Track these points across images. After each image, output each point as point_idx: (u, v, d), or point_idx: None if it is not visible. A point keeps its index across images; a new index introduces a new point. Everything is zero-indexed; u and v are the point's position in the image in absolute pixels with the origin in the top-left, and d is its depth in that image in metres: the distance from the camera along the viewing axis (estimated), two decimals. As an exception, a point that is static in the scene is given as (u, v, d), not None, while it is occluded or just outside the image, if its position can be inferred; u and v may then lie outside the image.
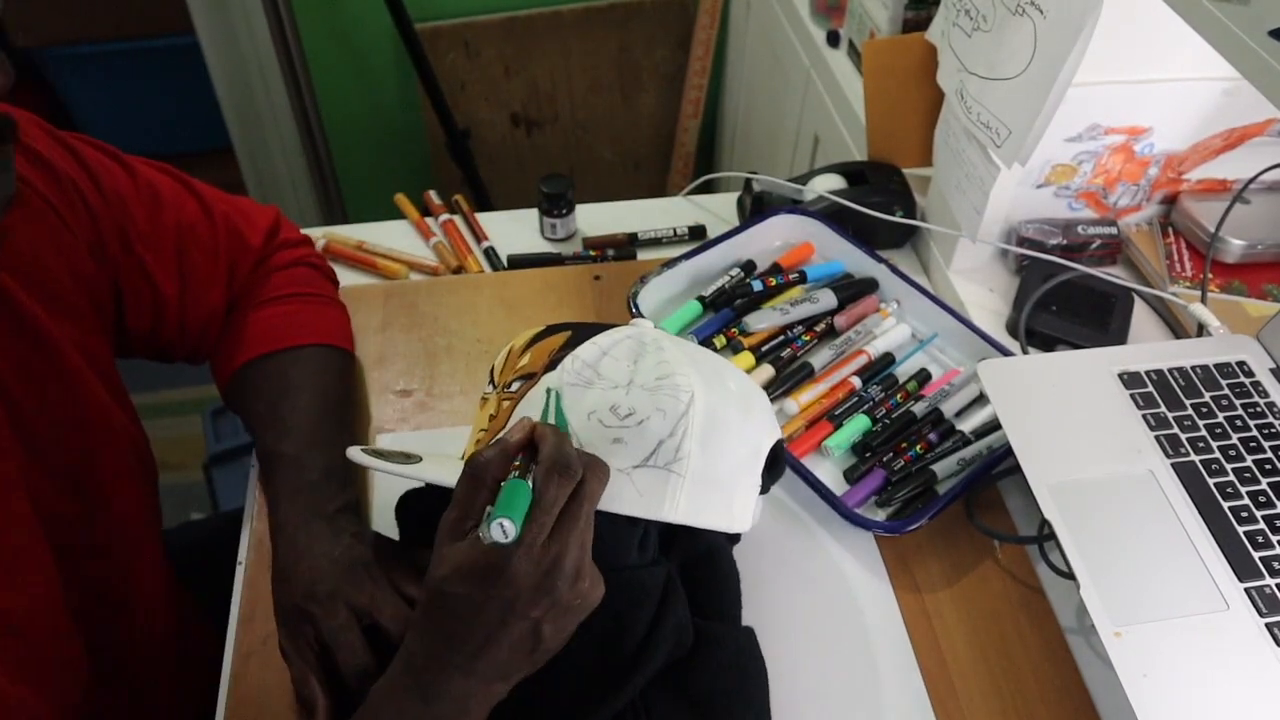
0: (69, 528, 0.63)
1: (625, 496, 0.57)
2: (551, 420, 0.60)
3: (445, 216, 1.07)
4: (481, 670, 0.51)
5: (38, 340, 0.63)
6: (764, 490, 0.66)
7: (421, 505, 0.69)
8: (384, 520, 0.74)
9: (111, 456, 0.68)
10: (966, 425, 0.83)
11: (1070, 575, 0.64)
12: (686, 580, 0.65)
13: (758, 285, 0.93)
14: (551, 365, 0.65)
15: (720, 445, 0.59)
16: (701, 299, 0.93)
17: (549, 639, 0.52)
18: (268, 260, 0.82)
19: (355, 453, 0.63)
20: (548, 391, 0.62)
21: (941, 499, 0.75)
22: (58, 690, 0.61)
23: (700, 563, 0.66)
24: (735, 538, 0.71)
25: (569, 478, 0.51)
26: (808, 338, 0.91)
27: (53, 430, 0.63)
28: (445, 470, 0.60)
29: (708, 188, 1.15)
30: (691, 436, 0.58)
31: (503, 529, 0.48)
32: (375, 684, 0.55)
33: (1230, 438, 0.72)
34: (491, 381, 0.71)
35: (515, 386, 0.67)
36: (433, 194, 1.10)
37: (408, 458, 0.62)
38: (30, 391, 0.62)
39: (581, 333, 0.68)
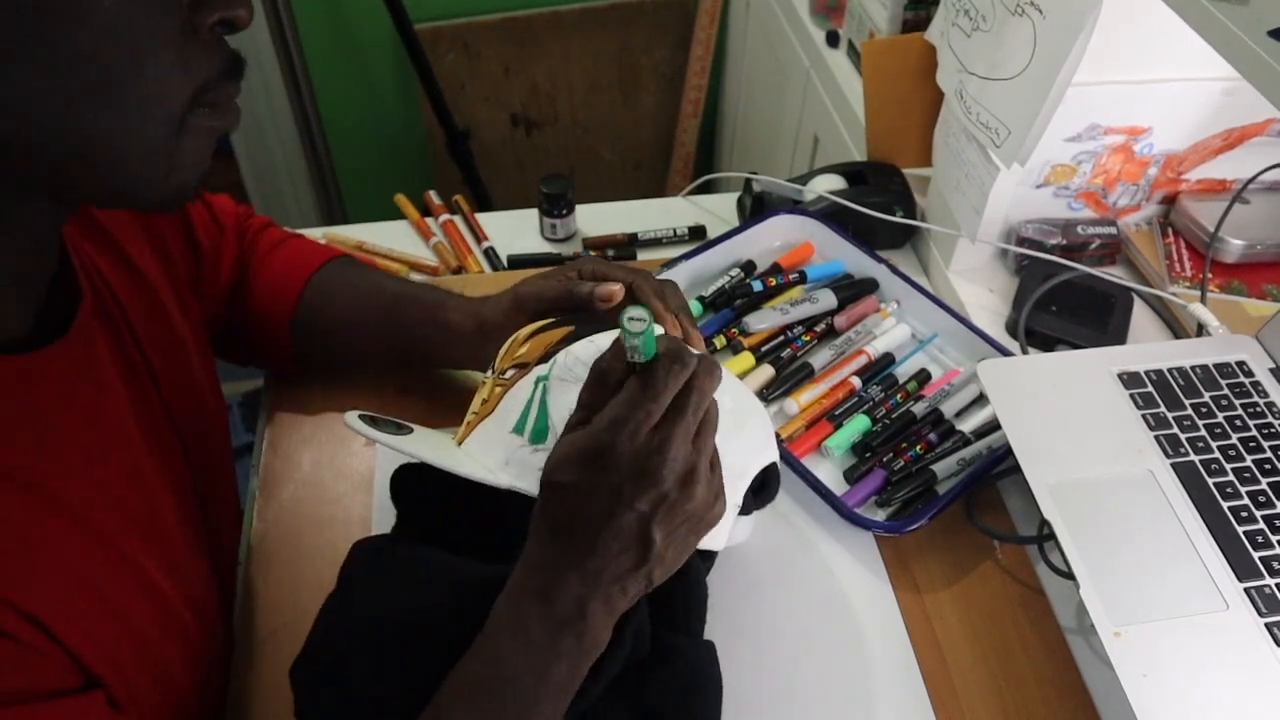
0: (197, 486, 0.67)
1: None
2: (534, 413, 0.60)
3: (445, 217, 1.07)
4: (594, 570, 0.50)
5: (166, 316, 0.67)
6: (745, 511, 0.65)
7: (416, 482, 0.69)
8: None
9: (219, 437, 0.74)
10: (966, 425, 0.83)
11: (1070, 575, 0.64)
12: (652, 590, 0.64)
13: (758, 285, 0.93)
14: (546, 357, 0.65)
15: None
16: (702, 299, 0.93)
17: (659, 544, 0.50)
18: (248, 225, 0.85)
19: (352, 418, 0.63)
20: (536, 382, 0.62)
21: (941, 499, 0.75)
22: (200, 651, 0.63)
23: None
24: (709, 554, 0.69)
25: (682, 365, 0.50)
26: (808, 338, 0.91)
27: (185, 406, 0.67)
28: (435, 448, 0.60)
29: (707, 188, 1.15)
30: None
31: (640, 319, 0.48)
32: (499, 596, 0.53)
33: (1230, 438, 0.72)
34: (491, 367, 0.71)
35: (510, 374, 0.67)
36: (433, 194, 1.10)
37: (399, 427, 0.62)
38: (167, 363, 0.65)
39: (583, 329, 0.68)
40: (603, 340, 0.63)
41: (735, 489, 0.62)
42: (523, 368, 0.66)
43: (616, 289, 0.71)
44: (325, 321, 0.80)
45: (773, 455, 0.66)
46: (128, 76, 0.45)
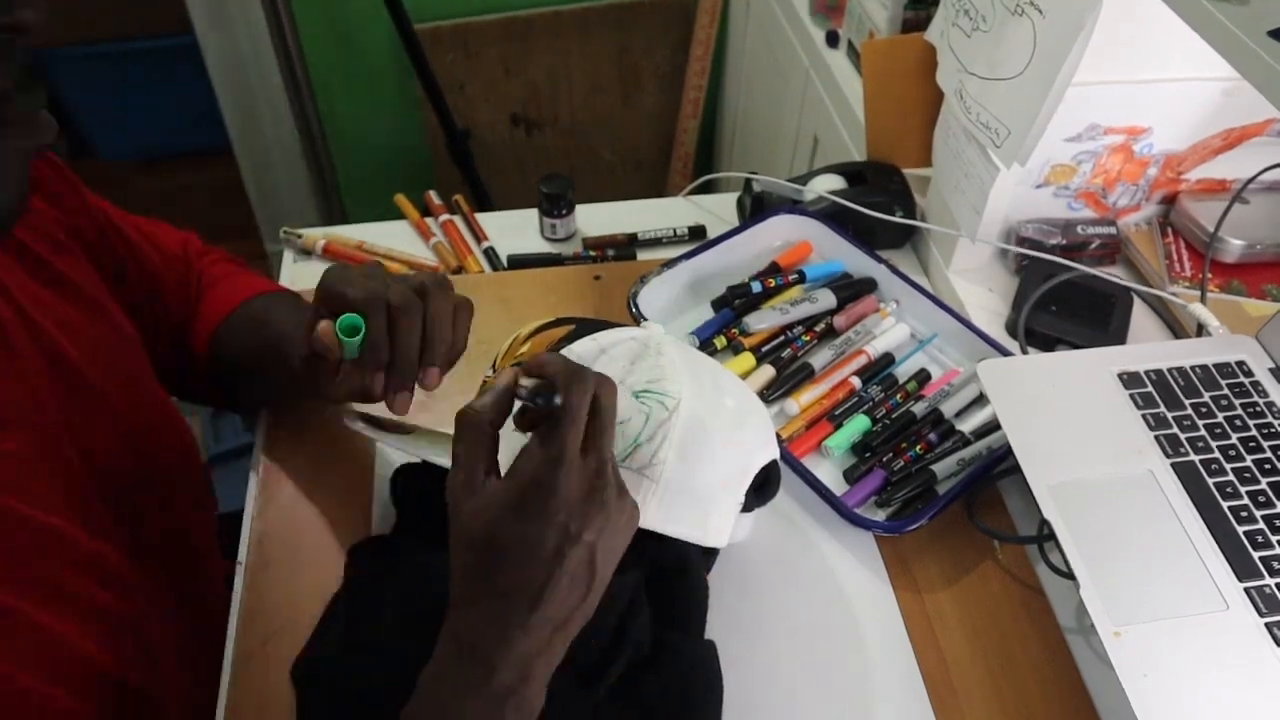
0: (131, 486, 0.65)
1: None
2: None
3: (445, 217, 1.07)
4: (539, 622, 0.48)
5: (114, 329, 0.66)
6: (747, 508, 0.65)
7: (416, 482, 0.69)
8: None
9: (172, 438, 0.72)
10: (966, 425, 0.83)
11: (1070, 575, 0.64)
12: (653, 588, 0.64)
13: (756, 286, 0.93)
14: None
15: (701, 457, 0.59)
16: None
17: (601, 567, 0.49)
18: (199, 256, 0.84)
19: (352, 418, 0.63)
20: None
21: (941, 499, 0.75)
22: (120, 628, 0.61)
23: (669, 573, 0.65)
24: (712, 552, 0.69)
25: (585, 383, 0.49)
26: (808, 338, 0.91)
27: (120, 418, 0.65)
28: (436, 446, 0.60)
29: (707, 188, 1.15)
30: (670, 444, 0.57)
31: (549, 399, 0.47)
32: (421, 674, 0.50)
33: (1230, 437, 0.72)
34: (493, 365, 0.71)
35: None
36: (433, 194, 1.10)
37: (400, 426, 0.62)
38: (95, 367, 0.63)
39: (584, 328, 0.68)
40: (604, 338, 0.63)
41: (737, 487, 0.62)
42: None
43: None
44: (226, 373, 0.79)
45: (773, 453, 0.66)
46: None
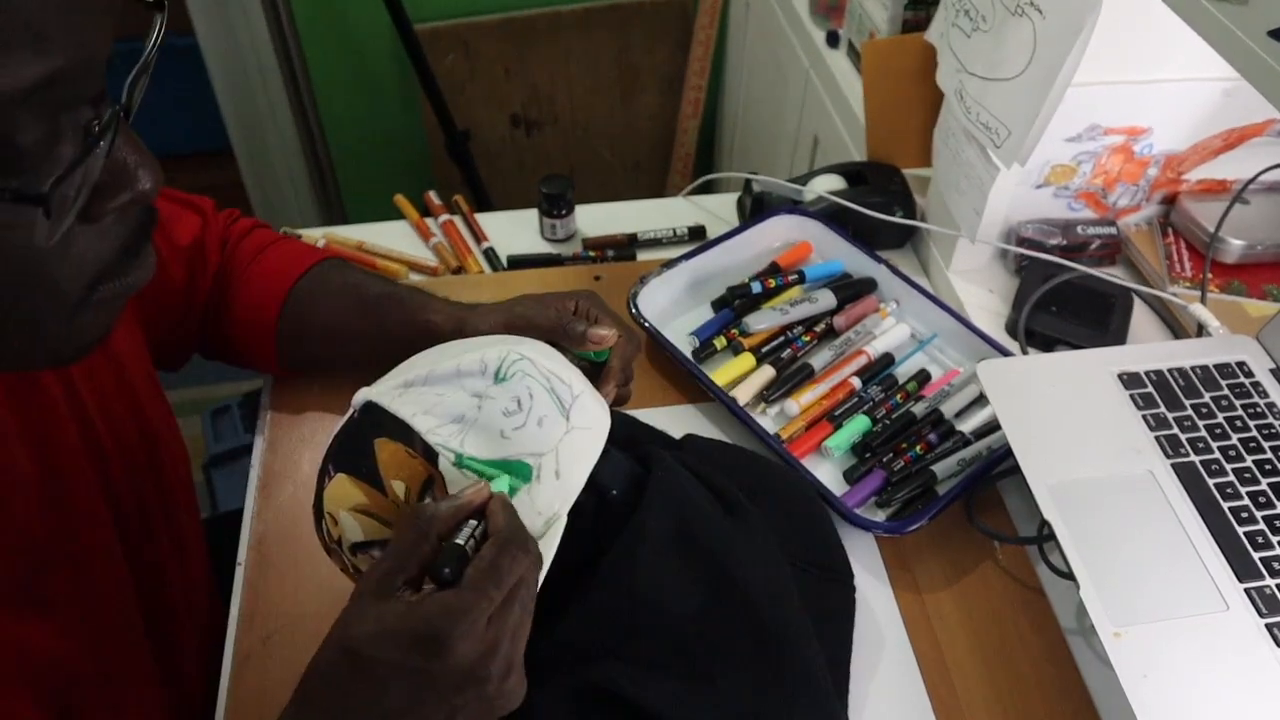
0: (136, 519, 0.65)
1: (587, 450, 0.54)
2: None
3: (445, 217, 1.07)
4: None
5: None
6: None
7: None
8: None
9: (170, 454, 0.70)
10: (966, 426, 0.83)
11: (1070, 576, 0.64)
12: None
13: (756, 286, 0.93)
14: None
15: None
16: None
17: None
18: (231, 228, 0.83)
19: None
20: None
21: (941, 499, 0.75)
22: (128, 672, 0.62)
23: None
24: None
25: (525, 554, 0.48)
26: (807, 338, 0.91)
27: (119, 429, 0.64)
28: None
29: (707, 188, 1.15)
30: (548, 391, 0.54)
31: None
32: None
33: (1230, 438, 0.72)
34: None
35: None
36: (433, 194, 1.10)
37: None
38: (95, 392, 0.63)
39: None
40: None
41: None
42: None
43: (609, 335, 0.70)
44: (310, 329, 0.79)
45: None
46: (11, 300, 0.41)
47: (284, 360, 0.80)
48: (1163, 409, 0.74)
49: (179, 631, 0.71)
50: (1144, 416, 0.73)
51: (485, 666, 0.46)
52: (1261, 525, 0.66)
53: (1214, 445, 0.71)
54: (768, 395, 0.86)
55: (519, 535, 0.48)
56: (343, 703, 0.47)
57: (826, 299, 0.92)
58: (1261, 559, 0.64)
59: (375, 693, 0.46)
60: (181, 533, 0.72)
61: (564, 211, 1.04)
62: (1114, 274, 0.94)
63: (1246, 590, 0.63)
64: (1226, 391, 0.75)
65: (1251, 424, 0.73)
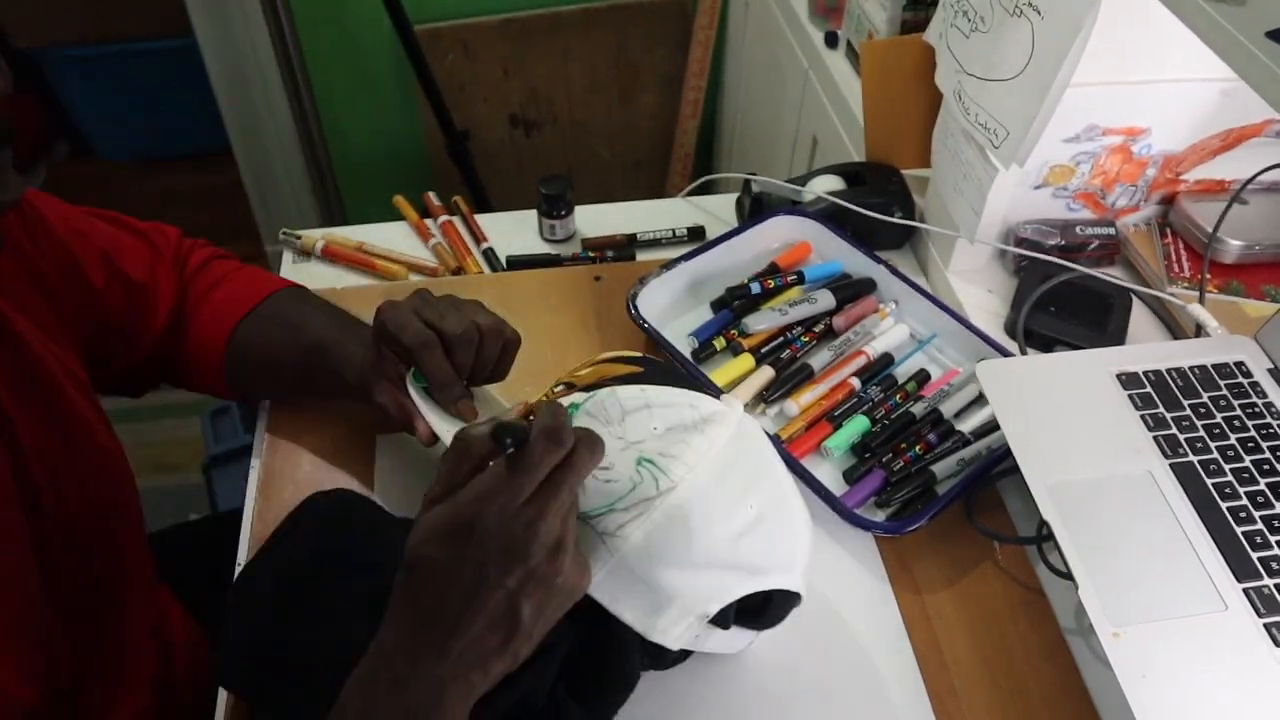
0: (55, 530, 0.65)
1: None
2: None
3: (444, 218, 1.07)
4: (457, 651, 0.49)
5: (32, 364, 0.65)
6: (724, 624, 0.59)
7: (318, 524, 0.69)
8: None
9: (102, 480, 0.70)
10: (965, 426, 0.83)
11: (1069, 576, 0.64)
12: (578, 661, 0.59)
13: (755, 287, 0.93)
14: (593, 387, 0.62)
15: (670, 553, 0.55)
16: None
17: (527, 620, 0.49)
18: (188, 260, 0.84)
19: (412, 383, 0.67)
20: (570, 408, 0.60)
21: (941, 499, 0.76)
22: (50, 683, 0.62)
23: (593, 651, 0.60)
24: (661, 657, 0.62)
25: (558, 444, 0.49)
26: (807, 339, 0.91)
27: (48, 454, 0.64)
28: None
29: (706, 189, 1.15)
30: (641, 523, 0.54)
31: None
32: (349, 678, 0.52)
33: (1228, 438, 0.72)
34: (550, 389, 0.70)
35: (560, 389, 0.66)
36: (432, 195, 1.10)
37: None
38: (26, 415, 0.63)
39: (652, 373, 0.64)
40: (656, 396, 0.60)
41: (707, 599, 0.56)
42: (570, 387, 0.65)
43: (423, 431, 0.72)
44: (250, 361, 0.80)
45: (785, 583, 0.60)
46: None
47: (234, 391, 0.82)
48: (1161, 409, 0.74)
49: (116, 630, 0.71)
50: (1142, 417, 0.73)
51: (526, 545, 0.48)
52: (1260, 525, 0.66)
53: (1212, 445, 0.71)
54: (767, 396, 0.86)
55: (554, 425, 0.50)
56: (415, 612, 0.50)
57: (826, 299, 0.92)
58: (1260, 559, 0.65)
59: (436, 595, 0.49)
60: (127, 569, 0.72)
61: (563, 212, 1.04)
62: (1112, 274, 0.94)
63: (1245, 590, 0.63)
64: (1225, 392, 0.75)
65: (1250, 424, 0.73)
